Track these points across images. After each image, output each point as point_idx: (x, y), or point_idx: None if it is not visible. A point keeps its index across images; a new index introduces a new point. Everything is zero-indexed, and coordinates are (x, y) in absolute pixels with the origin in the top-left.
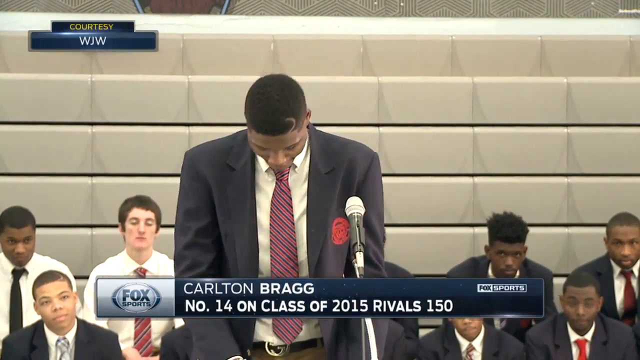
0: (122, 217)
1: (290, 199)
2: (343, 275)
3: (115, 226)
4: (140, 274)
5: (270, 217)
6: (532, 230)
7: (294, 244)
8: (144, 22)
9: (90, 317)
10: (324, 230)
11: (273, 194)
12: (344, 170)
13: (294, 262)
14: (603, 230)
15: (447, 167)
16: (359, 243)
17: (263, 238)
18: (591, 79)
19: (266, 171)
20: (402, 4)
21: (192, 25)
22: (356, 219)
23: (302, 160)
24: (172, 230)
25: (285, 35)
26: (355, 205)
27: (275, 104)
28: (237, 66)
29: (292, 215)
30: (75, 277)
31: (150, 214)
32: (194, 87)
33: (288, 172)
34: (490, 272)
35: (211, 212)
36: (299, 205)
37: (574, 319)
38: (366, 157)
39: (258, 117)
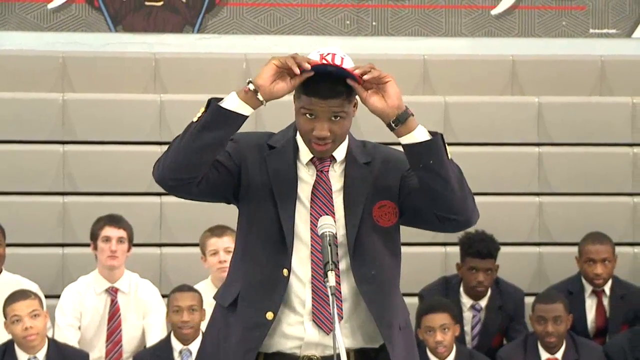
0: (94, 236)
1: (331, 189)
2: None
3: (87, 245)
4: (112, 293)
5: (311, 204)
6: (503, 249)
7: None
8: (116, 40)
9: (61, 336)
10: (359, 212)
11: (314, 184)
12: (381, 163)
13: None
14: (574, 249)
15: None
16: (330, 262)
17: (303, 215)
18: (562, 98)
19: (307, 164)
20: (374, 23)
21: (165, 44)
22: (328, 238)
23: (342, 157)
24: (144, 249)
25: (258, 54)
26: (326, 225)
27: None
28: (210, 85)
29: (332, 205)
30: (46, 296)
31: (122, 233)
32: (166, 105)
33: (329, 165)
34: (462, 290)
35: (231, 172)
36: (338, 196)
37: (543, 337)
38: (399, 152)
39: (313, 80)
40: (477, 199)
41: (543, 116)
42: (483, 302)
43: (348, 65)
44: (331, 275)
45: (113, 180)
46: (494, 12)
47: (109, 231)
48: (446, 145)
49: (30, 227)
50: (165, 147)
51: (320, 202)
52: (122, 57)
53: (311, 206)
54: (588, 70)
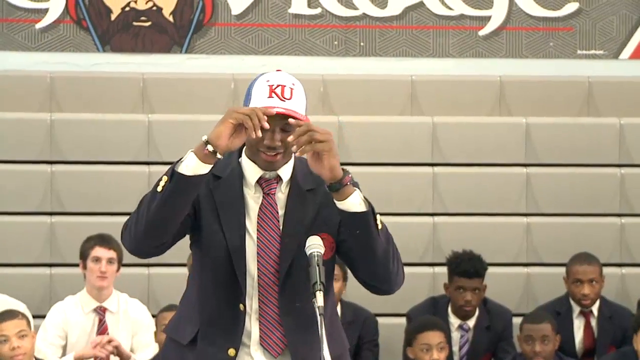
0: (84, 255)
1: (277, 212)
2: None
3: (75, 265)
4: (100, 312)
5: (258, 230)
6: (491, 269)
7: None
8: (104, 60)
9: (39, 354)
10: (295, 243)
11: (260, 207)
12: (325, 191)
13: (279, 273)
14: (562, 269)
15: (406, 206)
16: (318, 282)
17: (250, 246)
18: (550, 119)
19: (254, 185)
20: (362, 43)
21: (153, 64)
22: (316, 258)
23: (288, 177)
24: (132, 269)
25: (246, 74)
26: (315, 245)
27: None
28: (198, 105)
29: (279, 229)
30: (34, 316)
31: (112, 254)
32: (154, 125)
33: (275, 187)
34: (450, 310)
35: (190, 215)
36: (281, 223)
37: (531, 357)
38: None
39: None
40: (466, 219)
41: (530, 137)
42: (471, 322)
43: (298, 93)
44: (319, 295)
45: (101, 200)
46: (482, 32)
47: (99, 251)
48: (377, 217)
49: (17, 247)
50: (152, 168)
51: (267, 232)
52: (110, 77)
53: (258, 238)
54: (575, 91)
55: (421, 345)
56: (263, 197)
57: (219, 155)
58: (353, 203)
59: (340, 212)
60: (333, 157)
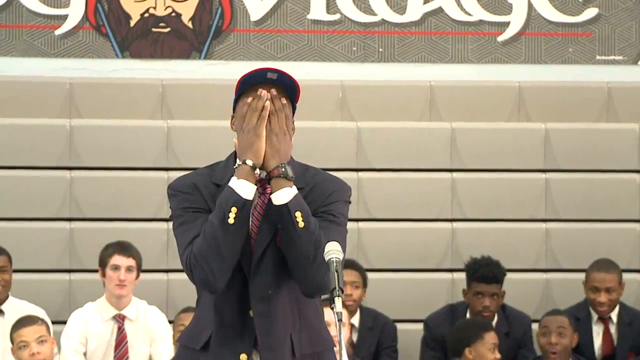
0: (103, 263)
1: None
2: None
3: (94, 271)
4: (119, 320)
5: (251, 228)
6: (510, 275)
7: None
8: (123, 67)
9: None
10: (270, 233)
11: (255, 206)
12: (309, 190)
13: (251, 261)
14: (581, 275)
15: (425, 212)
16: (337, 288)
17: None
18: (569, 124)
19: None
20: (380, 49)
21: (171, 70)
22: (335, 264)
23: None
24: (151, 275)
25: None
26: (333, 250)
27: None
28: (216, 111)
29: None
30: (53, 322)
31: (131, 261)
32: (173, 131)
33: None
34: (468, 317)
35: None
36: None
37: (546, 349)
38: (335, 183)
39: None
40: (485, 225)
41: (549, 142)
42: None
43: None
44: (338, 301)
45: (120, 206)
46: (501, 38)
47: (118, 260)
48: (296, 214)
49: (37, 253)
50: (171, 174)
51: (256, 233)
52: (129, 83)
53: (252, 236)
54: (594, 96)
55: (490, 345)
56: (259, 197)
57: (258, 170)
58: (278, 197)
59: (270, 203)
60: (276, 149)
